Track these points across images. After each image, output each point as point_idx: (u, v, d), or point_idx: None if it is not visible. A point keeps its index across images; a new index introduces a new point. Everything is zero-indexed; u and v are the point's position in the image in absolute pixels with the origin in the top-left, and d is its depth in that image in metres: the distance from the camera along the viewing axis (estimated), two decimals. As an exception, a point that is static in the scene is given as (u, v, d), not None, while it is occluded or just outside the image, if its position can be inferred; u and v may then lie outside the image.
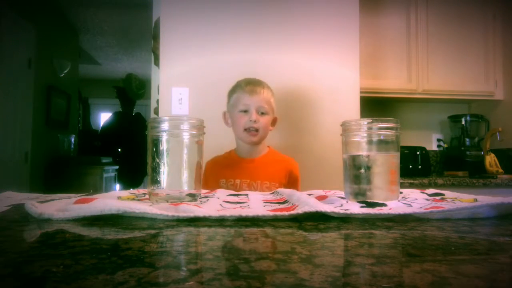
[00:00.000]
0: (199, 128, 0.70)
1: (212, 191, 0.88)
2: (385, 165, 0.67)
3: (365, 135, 0.67)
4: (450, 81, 2.37)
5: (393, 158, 0.67)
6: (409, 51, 2.34)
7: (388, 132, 0.67)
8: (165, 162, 0.66)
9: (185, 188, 0.67)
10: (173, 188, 0.67)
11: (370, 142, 0.67)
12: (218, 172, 1.34)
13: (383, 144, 0.67)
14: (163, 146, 0.67)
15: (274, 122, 1.39)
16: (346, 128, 0.70)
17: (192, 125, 0.69)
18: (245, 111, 1.30)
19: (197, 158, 0.69)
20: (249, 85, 1.33)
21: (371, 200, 0.62)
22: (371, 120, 0.67)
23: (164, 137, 0.67)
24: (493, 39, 2.44)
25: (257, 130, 1.29)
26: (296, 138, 1.73)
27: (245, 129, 1.29)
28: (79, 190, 1.12)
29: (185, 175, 0.67)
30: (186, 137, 0.68)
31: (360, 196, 0.65)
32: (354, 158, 0.67)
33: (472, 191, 1.09)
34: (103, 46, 5.16)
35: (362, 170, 0.66)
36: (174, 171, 0.68)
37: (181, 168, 0.67)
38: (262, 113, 1.31)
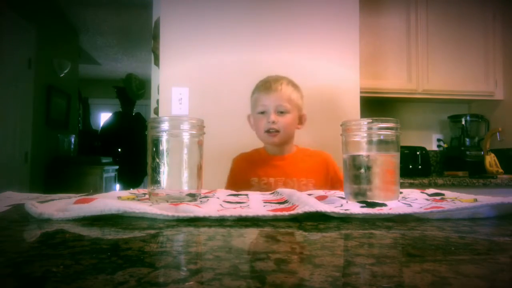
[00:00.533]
0: (199, 128, 0.70)
1: (212, 191, 0.88)
2: (385, 165, 0.67)
3: (365, 135, 0.67)
4: (450, 81, 2.37)
5: (393, 158, 0.67)
6: (409, 51, 2.34)
7: (388, 132, 0.67)
8: (165, 162, 0.66)
9: (185, 188, 0.67)
10: (173, 188, 0.67)
11: (370, 142, 0.67)
12: (247, 169, 1.30)
13: (383, 144, 0.67)
14: (163, 146, 0.67)
15: (301, 119, 1.32)
16: (346, 128, 0.70)
17: (192, 125, 0.69)
18: (263, 113, 1.24)
19: (197, 158, 0.69)
20: (266, 83, 1.26)
21: (371, 200, 0.62)
22: (371, 120, 0.67)
23: (164, 137, 0.67)
24: (493, 39, 2.44)
25: (277, 131, 1.23)
26: (295, 138, 1.73)
27: (265, 131, 1.24)
28: (79, 190, 1.12)
29: (185, 175, 0.67)
30: (186, 137, 0.68)
31: (360, 196, 0.65)
32: (354, 158, 0.67)
33: (472, 191, 1.09)
34: (103, 46, 5.16)
35: (362, 170, 0.66)
36: (174, 171, 0.68)
37: (181, 168, 0.67)
38: (282, 112, 1.23)
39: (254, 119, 1.29)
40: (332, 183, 1.28)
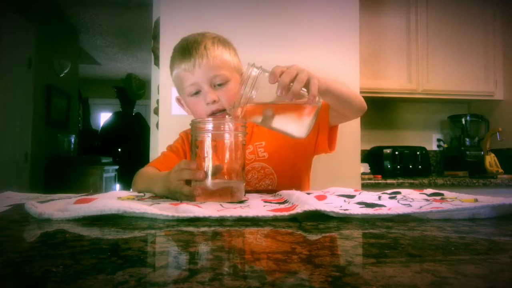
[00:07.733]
0: (242, 128, 0.71)
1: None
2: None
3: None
4: (450, 81, 2.37)
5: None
6: (409, 51, 2.34)
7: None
8: (209, 162, 0.68)
9: None
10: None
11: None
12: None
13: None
14: (207, 146, 0.68)
15: None
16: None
17: (235, 125, 0.70)
18: (197, 93, 0.95)
19: (240, 158, 0.70)
20: (184, 52, 0.96)
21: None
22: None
23: (207, 138, 0.69)
24: (493, 39, 2.44)
25: (224, 110, 0.94)
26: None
27: (209, 116, 0.95)
28: (79, 190, 1.11)
29: (228, 175, 0.69)
30: (229, 137, 0.70)
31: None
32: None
33: (472, 191, 1.10)
34: (103, 46, 5.15)
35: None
36: (217, 171, 0.69)
37: (224, 168, 0.69)
38: (220, 85, 0.94)
39: (188, 104, 1.00)
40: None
